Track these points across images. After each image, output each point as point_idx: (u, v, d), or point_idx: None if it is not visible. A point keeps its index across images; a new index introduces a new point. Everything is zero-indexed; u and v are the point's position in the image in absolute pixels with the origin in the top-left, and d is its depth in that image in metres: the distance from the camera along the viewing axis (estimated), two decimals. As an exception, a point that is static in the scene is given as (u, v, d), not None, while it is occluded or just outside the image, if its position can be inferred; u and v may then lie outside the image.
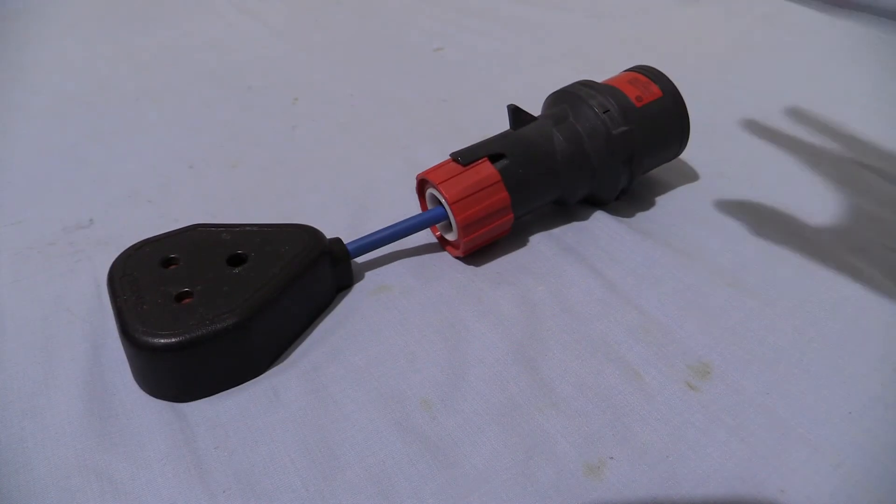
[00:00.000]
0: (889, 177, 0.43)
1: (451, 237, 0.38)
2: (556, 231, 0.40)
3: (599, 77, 0.42)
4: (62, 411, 0.31)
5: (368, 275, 0.38)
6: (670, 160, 0.42)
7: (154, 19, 0.75)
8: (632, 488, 0.27)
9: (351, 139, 0.51)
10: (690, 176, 0.44)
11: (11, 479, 0.28)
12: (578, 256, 0.38)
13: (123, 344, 0.31)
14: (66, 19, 0.76)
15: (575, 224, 0.41)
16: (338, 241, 0.36)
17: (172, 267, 0.33)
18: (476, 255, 0.38)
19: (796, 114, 0.50)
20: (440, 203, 0.37)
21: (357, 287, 0.37)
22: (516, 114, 0.38)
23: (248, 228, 0.35)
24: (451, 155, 0.37)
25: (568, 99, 0.39)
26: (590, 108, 0.38)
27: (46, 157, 0.50)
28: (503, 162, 0.37)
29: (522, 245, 0.39)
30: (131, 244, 0.34)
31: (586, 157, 0.38)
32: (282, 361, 0.33)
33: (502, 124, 0.39)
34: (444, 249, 0.39)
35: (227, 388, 0.32)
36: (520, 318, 0.34)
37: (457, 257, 0.38)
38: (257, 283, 0.32)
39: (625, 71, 0.42)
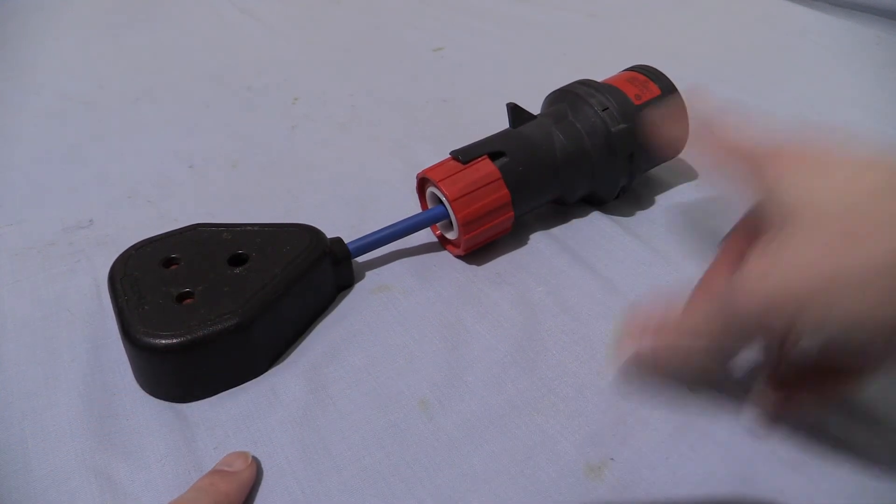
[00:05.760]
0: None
1: (451, 236, 0.38)
2: (556, 231, 0.40)
3: (599, 77, 0.42)
4: (62, 411, 0.31)
5: (369, 274, 0.38)
6: (670, 159, 0.42)
7: (154, 19, 0.75)
8: (632, 489, 0.27)
9: (351, 139, 0.51)
10: (690, 175, 0.44)
11: (11, 479, 0.28)
12: (578, 256, 0.38)
13: (125, 344, 0.31)
14: (65, 19, 0.76)
15: (575, 224, 0.40)
16: (338, 240, 0.36)
17: (173, 267, 0.33)
18: (476, 254, 0.38)
19: (796, 114, 0.50)
20: (440, 202, 0.37)
21: (358, 286, 0.37)
22: (516, 112, 0.38)
23: (248, 228, 0.35)
24: (451, 153, 0.37)
25: (567, 97, 0.39)
26: (589, 106, 0.38)
27: (46, 157, 0.50)
28: (503, 160, 0.37)
29: (522, 245, 0.39)
30: (131, 244, 0.35)
31: (586, 154, 0.38)
32: (282, 361, 0.33)
33: (502, 124, 0.39)
34: (444, 248, 0.39)
35: (228, 389, 0.32)
36: (519, 318, 0.34)
37: (457, 256, 0.38)
38: (258, 284, 0.32)
39: (624, 70, 0.42)
